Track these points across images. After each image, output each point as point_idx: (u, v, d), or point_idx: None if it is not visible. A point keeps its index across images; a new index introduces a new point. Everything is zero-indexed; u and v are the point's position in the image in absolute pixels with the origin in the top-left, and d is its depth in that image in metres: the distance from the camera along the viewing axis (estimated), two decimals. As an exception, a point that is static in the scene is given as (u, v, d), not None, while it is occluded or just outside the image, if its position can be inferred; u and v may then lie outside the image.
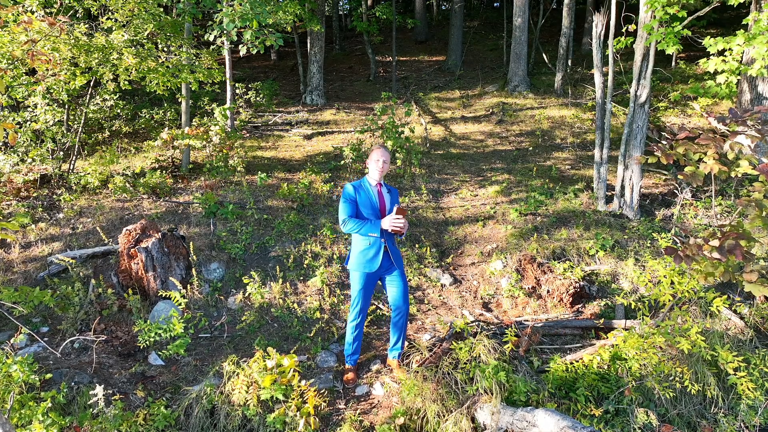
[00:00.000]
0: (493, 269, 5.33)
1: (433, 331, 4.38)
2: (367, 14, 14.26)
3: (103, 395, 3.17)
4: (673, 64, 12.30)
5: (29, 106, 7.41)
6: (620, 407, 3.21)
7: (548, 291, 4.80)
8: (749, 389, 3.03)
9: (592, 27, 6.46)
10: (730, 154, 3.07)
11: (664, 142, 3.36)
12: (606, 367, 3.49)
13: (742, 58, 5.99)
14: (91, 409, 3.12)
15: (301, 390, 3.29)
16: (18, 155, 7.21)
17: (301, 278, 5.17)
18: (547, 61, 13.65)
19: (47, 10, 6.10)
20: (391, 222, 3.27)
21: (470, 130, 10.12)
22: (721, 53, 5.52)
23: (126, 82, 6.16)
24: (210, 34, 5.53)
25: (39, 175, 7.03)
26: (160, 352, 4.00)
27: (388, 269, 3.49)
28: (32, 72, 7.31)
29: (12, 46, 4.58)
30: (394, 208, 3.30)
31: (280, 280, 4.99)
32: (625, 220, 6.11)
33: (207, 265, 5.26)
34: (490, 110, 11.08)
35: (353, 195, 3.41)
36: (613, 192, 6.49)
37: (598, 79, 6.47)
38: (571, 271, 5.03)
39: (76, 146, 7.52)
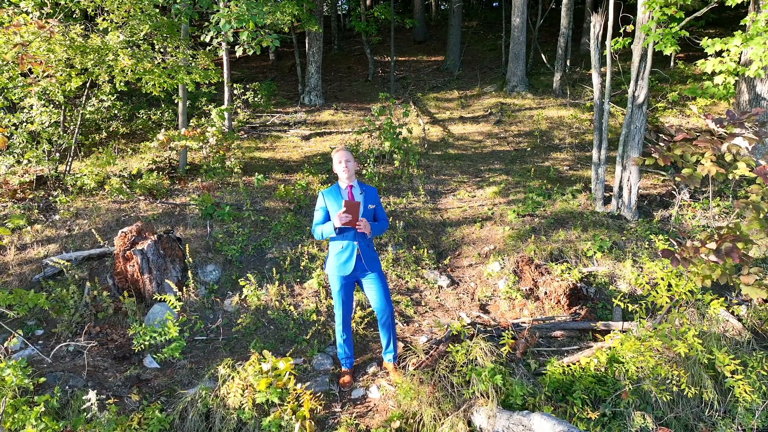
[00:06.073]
0: (490, 271, 5.31)
1: (430, 333, 4.36)
2: (366, 14, 14.23)
3: (98, 399, 3.15)
4: (672, 64, 12.28)
5: (25, 108, 7.38)
6: (617, 410, 3.20)
7: (546, 293, 4.78)
8: (746, 392, 3.01)
9: (591, 27, 6.45)
10: (728, 156, 3.06)
11: (661, 144, 3.34)
12: (603, 369, 3.47)
13: (740, 59, 5.98)
14: (85, 414, 3.10)
15: (296, 393, 3.28)
16: (14, 156, 7.18)
17: (298, 280, 5.15)
18: (545, 61, 13.64)
19: (43, 11, 6.07)
20: (338, 216, 3.23)
21: (468, 131, 10.10)
22: (718, 54, 5.51)
23: (122, 84, 6.13)
24: (206, 35, 5.51)
25: (35, 177, 7.01)
26: (155, 355, 3.98)
27: (363, 272, 3.47)
28: (28, 73, 7.28)
29: (5, 48, 4.55)
30: (342, 203, 3.23)
31: (277, 282, 4.97)
32: (623, 221, 6.10)
33: (203, 267, 5.24)
34: (489, 111, 11.07)
35: (323, 203, 3.44)
36: (611, 193, 6.47)
37: (596, 79, 6.45)
38: (569, 273, 5.01)
39: (73, 147, 7.49)
